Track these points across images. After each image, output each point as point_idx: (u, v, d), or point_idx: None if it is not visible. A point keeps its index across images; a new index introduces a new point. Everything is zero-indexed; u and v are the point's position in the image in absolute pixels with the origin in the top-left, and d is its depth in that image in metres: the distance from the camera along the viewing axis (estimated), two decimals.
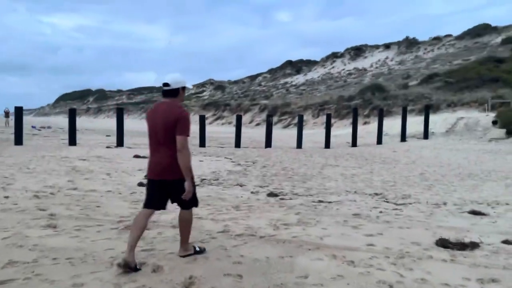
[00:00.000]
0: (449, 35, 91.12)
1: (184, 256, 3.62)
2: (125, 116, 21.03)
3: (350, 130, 32.13)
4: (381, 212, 5.61)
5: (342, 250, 3.85)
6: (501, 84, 44.47)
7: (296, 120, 40.31)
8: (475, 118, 26.31)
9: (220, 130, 37.37)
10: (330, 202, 6.23)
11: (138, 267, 3.30)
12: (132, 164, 10.32)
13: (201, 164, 10.88)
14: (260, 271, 3.30)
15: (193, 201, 3.63)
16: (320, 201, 6.29)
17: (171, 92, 3.51)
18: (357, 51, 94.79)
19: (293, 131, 36.02)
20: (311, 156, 14.91)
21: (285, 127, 40.14)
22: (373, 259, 3.63)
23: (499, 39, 76.69)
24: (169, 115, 3.40)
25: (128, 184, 7.48)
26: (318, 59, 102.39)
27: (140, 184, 7.35)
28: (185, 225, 3.66)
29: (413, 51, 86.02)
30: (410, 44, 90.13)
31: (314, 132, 32.94)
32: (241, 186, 7.64)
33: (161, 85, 3.53)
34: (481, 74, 51.87)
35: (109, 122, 47.66)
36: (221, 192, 6.94)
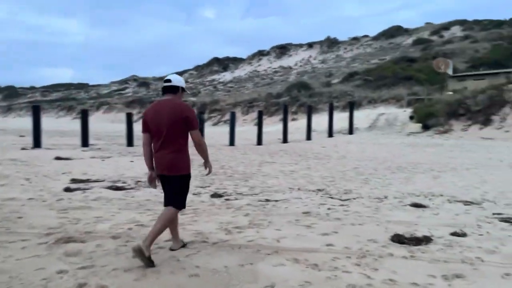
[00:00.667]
0: (366, 36, 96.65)
1: (140, 252, 3.25)
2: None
3: (279, 126, 32.68)
4: (329, 209, 5.55)
5: (302, 253, 3.66)
6: (414, 82, 48.11)
7: (225, 118, 40.19)
8: (394, 114, 28.06)
9: None
10: (277, 201, 6.06)
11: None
12: (54, 167, 9.36)
13: (132, 165, 10.20)
14: (222, 284, 2.99)
15: (183, 202, 3.67)
16: (267, 200, 6.09)
17: (172, 88, 3.58)
18: (282, 50, 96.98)
19: (224, 129, 35.74)
20: (246, 153, 14.76)
21: (215, 124, 39.76)
22: (336, 260, 3.48)
23: (410, 40, 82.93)
24: (176, 112, 3.47)
25: (53, 189, 6.70)
26: (244, 56, 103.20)
27: (67, 190, 6.62)
28: (162, 222, 3.48)
29: (334, 51, 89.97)
30: (331, 43, 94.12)
31: (244, 129, 32.97)
32: None
33: (163, 82, 3.63)
34: (396, 72, 55.63)
35: (21, 121, 43.73)
36: (161, 195, 6.42)
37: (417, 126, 24.92)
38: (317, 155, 14.30)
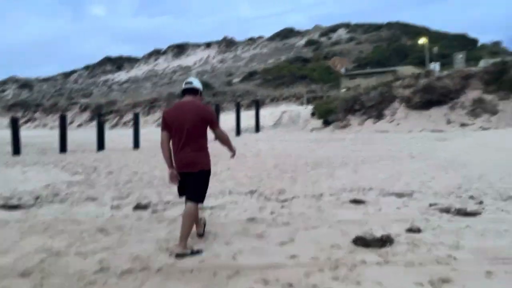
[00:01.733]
0: (262, 37, 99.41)
1: (180, 255, 3.51)
2: None
3: None
4: (272, 212, 5.11)
5: (268, 270, 3.15)
6: (309, 80, 50.59)
7: (124, 119, 37.88)
8: (297, 111, 28.93)
9: (33, 134, 32.18)
10: (212, 208, 5.45)
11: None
12: None
13: (26, 177, 8.70)
14: None
15: (202, 196, 3.80)
16: (201, 208, 5.44)
17: (193, 90, 3.80)
18: (180, 49, 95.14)
19: (123, 131, 33.61)
20: (155, 156, 13.74)
21: (113, 126, 37.19)
22: (310, 276, 3.04)
23: (302, 41, 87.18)
24: (199, 112, 3.68)
25: None
26: (140, 56, 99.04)
27: None
28: (188, 220, 3.66)
29: (232, 51, 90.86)
30: (229, 43, 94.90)
31: (146, 131, 31.28)
32: (93, 200, 6.18)
33: (183, 84, 3.85)
34: (292, 72, 58.05)
35: None
36: (71, 211, 5.42)
37: (319, 122, 25.96)
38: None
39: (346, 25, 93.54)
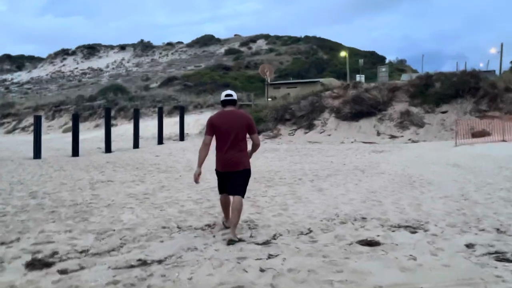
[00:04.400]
0: (181, 42, 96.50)
1: (232, 241, 3.99)
2: None
3: (96, 133, 28.23)
4: (262, 270, 3.26)
5: None
6: (231, 88, 49.25)
7: (24, 124, 32.94)
8: None
9: None
10: (161, 262, 3.43)
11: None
12: None
13: None
14: None
15: (245, 191, 4.40)
16: (143, 263, 3.38)
17: (233, 101, 4.48)
18: (91, 50, 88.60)
19: (22, 137, 29.01)
20: (63, 169, 11.05)
21: (9, 132, 32.18)
22: None
23: (222, 50, 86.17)
24: (243, 119, 4.38)
25: None
26: (44, 56, 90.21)
27: None
28: (239, 212, 4.22)
29: (149, 55, 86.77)
30: (145, 47, 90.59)
31: (50, 137, 27.30)
32: None
33: (224, 96, 4.50)
34: (214, 79, 56.46)
35: None
36: None
37: None
38: (158, 167, 11.70)
39: (266, 37, 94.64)
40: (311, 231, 4.34)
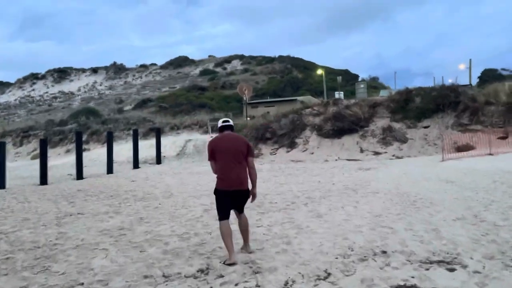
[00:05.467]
0: (154, 64, 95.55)
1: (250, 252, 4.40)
2: None
3: (66, 159, 26.75)
4: None
5: None
6: (208, 109, 48.45)
7: None
8: (202, 140, 26.14)
9: None
10: None
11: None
12: None
13: None
14: None
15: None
16: None
17: (230, 126, 4.80)
18: (62, 74, 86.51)
19: None
20: (28, 200, 9.93)
21: None
22: None
23: (197, 71, 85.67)
24: (240, 143, 4.63)
25: None
26: (13, 81, 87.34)
27: None
28: (247, 227, 4.57)
29: (122, 77, 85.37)
30: (118, 69, 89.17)
31: (18, 164, 25.74)
32: None
33: (221, 122, 4.86)
34: (190, 99, 55.59)
35: None
36: None
37: None
38: (135, 194, 10.73)
39: (240, 57, 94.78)
40: (329, 274, 3.54)
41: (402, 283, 3.27)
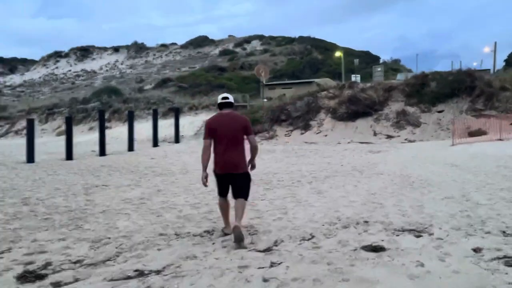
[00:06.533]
0: (175, 44, 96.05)
1: (241, 237, 4.00)
2: None
3: (90, 136, 27.95)
4: (265, 280, 3.12)
5: None
6: (226, 89, 49.00)
7: (17, 127, 32.60)
8: None
9: None
10: (158, 272, 3.28)
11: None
12: None
13: None
14: None
15: (248, 194, 4.44)
16: (140, 274, 3.23)
17: (230, 104, 4.52)
18: (84, 52, 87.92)
19: (15, 141, 28.67)
20: (56, 173, 10.85)
21: (3, 135, 31.83)
22: None
23: (217, 51, 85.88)
24: (240, 121, 4.43)
25: None
26: (37, 58, 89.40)
27: None
28: (242, 208, 4.29)
29: (143, 56, 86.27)
30: (139, 49, 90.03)
31: (44, 140, 27.02)
32: None
33: (220, 99, 4.61)
34: (209, 80, 56.19)
35: None
36: None
37: None
38: (154, 170, 11.53)
39: (260, 37, 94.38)
40: (313, 237, 4.22)
41: (373, 244, 3.91)
